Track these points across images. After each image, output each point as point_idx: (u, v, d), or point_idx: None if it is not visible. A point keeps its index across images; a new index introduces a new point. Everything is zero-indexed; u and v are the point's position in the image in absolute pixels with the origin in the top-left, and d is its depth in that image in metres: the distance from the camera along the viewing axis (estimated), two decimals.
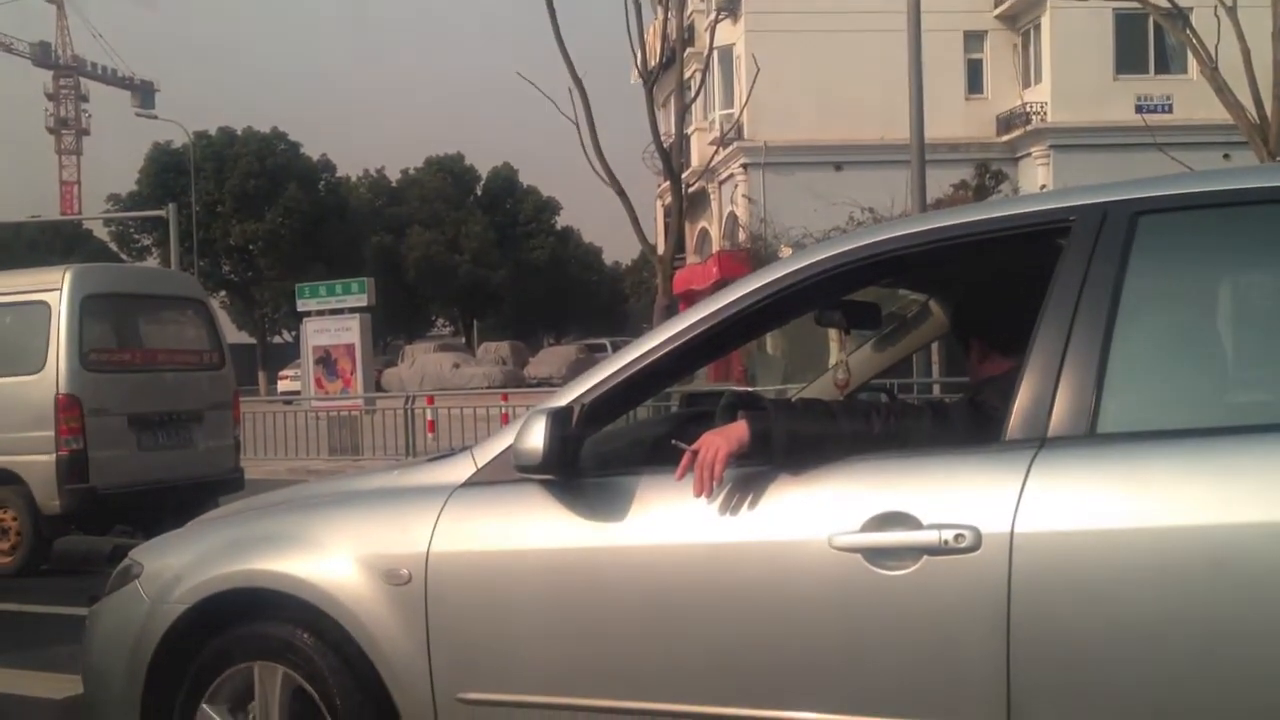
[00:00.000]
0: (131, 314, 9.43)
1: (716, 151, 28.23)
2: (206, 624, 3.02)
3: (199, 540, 3.27)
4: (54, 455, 8.24)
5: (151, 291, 10.15)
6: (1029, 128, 29.40)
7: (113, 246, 52.90)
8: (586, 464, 2.65)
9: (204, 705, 3.01)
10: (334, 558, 2.86)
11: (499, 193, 61.65)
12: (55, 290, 8.52)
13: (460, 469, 2.84)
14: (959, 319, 3.08)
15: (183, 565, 3.12)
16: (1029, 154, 29.61)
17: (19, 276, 9.32)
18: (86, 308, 8.61)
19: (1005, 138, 30.24)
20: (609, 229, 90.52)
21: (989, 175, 27.92)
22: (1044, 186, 26.98)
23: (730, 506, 2.45)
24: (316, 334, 17.13)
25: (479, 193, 61.71)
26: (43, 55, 69.22)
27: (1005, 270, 2.84)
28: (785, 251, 23.06)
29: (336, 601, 2.81)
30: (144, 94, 68.35)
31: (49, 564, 8.43)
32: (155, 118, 47.39)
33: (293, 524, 3.08)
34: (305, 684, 2.87)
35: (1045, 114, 29.26)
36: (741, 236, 30.14)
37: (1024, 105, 29.86)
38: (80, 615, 3.69)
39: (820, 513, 2.38)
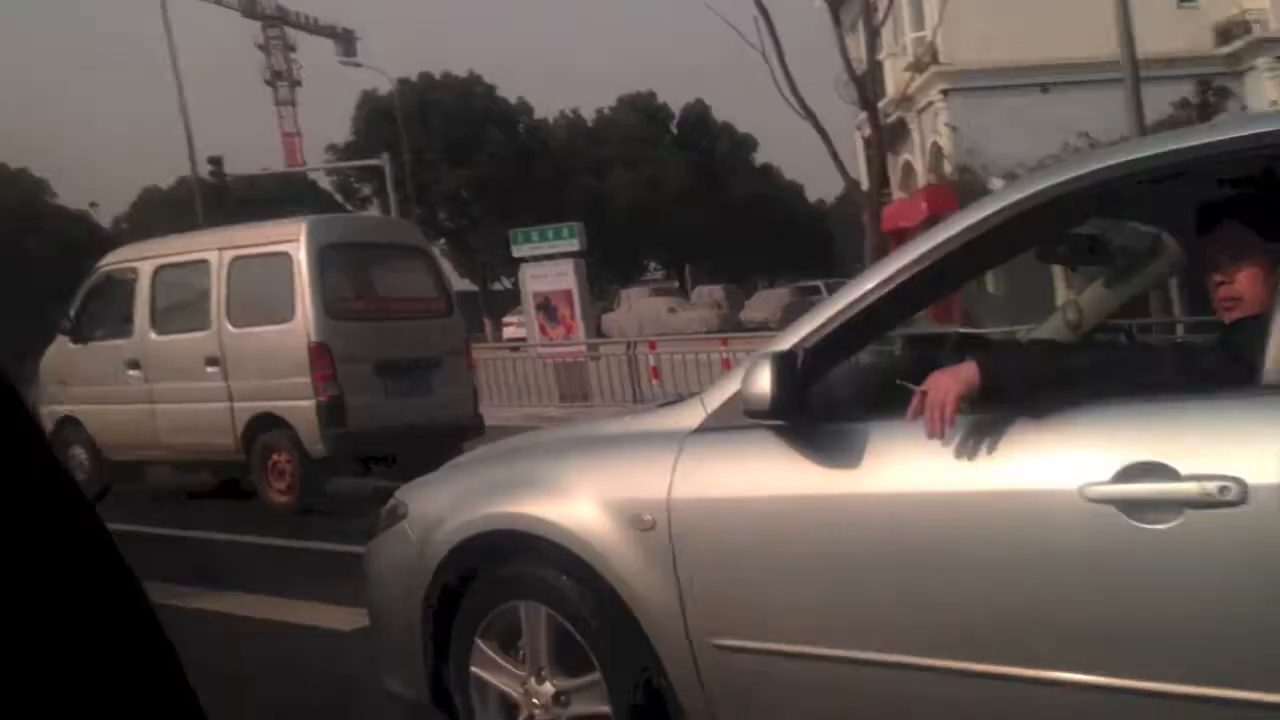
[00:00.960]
0: (365, 263, 9.78)
1: (912, 78, 26.82)
2: (473, 561, 3.18)
3: (455, 483, 3.45)
4: (314, 401, 8.71)
5: (381, 240, 10.54)
6: (1250, 37, 26.75)
7: (338, 197, 55.30)
8: (814, 409, 2.61)
9: (477, 640, 3.19)
10: (581, 503, 2.95)
11: (693, 131, 60.71)
12: (295, 241, 8.92)
13: (691, 415, 2.86)
14: (1203, 253, 2.83)
15: (444, 507, 3.29)
16: (1253, 67, 27.02)
17: (261, 229, 9.82)
18: (325, 258, 8.97)
19: (1225, 50, 27.50)
20: (810, 165, 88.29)
21: (1211, 92, 25.71)
22: (1276, 104, 24.82)
23: (967, 453, 2.38)
24: (534, 280, 17.31)
25: (674, 131, 61.05)
26: (249, 6, 72.06)
27: (1251, 198, 2.63)
28: (996, 184, 22.02)
29: (588, 546, 2.90)
30: (345, 42, 70.59)
31: (321, 503, 8.96)
32: (359, 65, 48.51)
33: (540, 469, 3.19)
34: (568, 624, 3.00)
35: (1266, 22, 26.64)
36: (947, 169, 28.86)
37: (1243, 13, 27.22)
38: (356, 551, 3.98)
39: (1068, 461, 2.29)
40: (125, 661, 0.54)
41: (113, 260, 10.51)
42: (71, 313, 10.29)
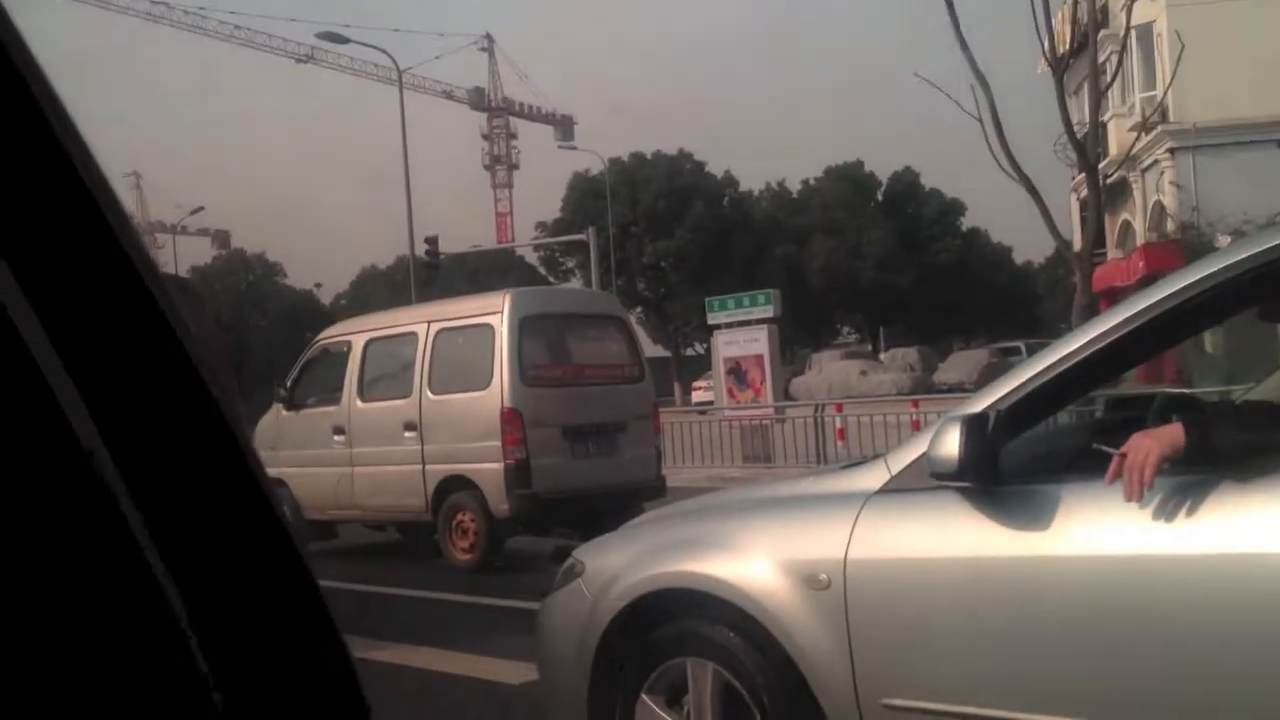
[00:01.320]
0: (562, 332, 10.12)
1: (1138, 137, 26.19)
2: (643, 619, 3.21)
3: (632, 542, 3.51)
4: (502, 463, 8.99)
5: (578, 310, 10.93)
6: None
7: (541, 270, 57.50)
8: (1005, 471, 2.58)
9: (643, 695, 3.21)
10: (755, 562, 2.96)
11: (900, 198, 60.72)
12: (497, 313, 9.30)
13: (874, 476, 2.86)
14: None
15: (619, 565, 3.35)
16: None
17: (466, 302, 10.33)
18: (524, 328, 9.32)
19: None
20: (1019, 227, 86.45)
21: None
22: None
23: (1166, 515, 2.30)
24: (727, 345, 17.63)
25: (880, 198, 61.15)
26: (477, 99, 76.27)
27: None
28: (1223, 240, 21.01)
29: (759, 604, 2.91)
30: (564, 128, 73.72)
31: (501, 561, 9.22)
32: (574, 149, 51.23)
33: (715, 529, 3.24)
34: (734, 681, 2.99)
35: None
36: (1170, 227, 27.78)
37: None
38: (530, 609, 4.05)
39: (1272, 526, 2.19)
40: (328, 705, 0.59)
41: (328, 334, 11.20)
42: (288, 383, 10.91)
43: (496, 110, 76.85)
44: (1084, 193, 22.76)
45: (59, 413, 0.53)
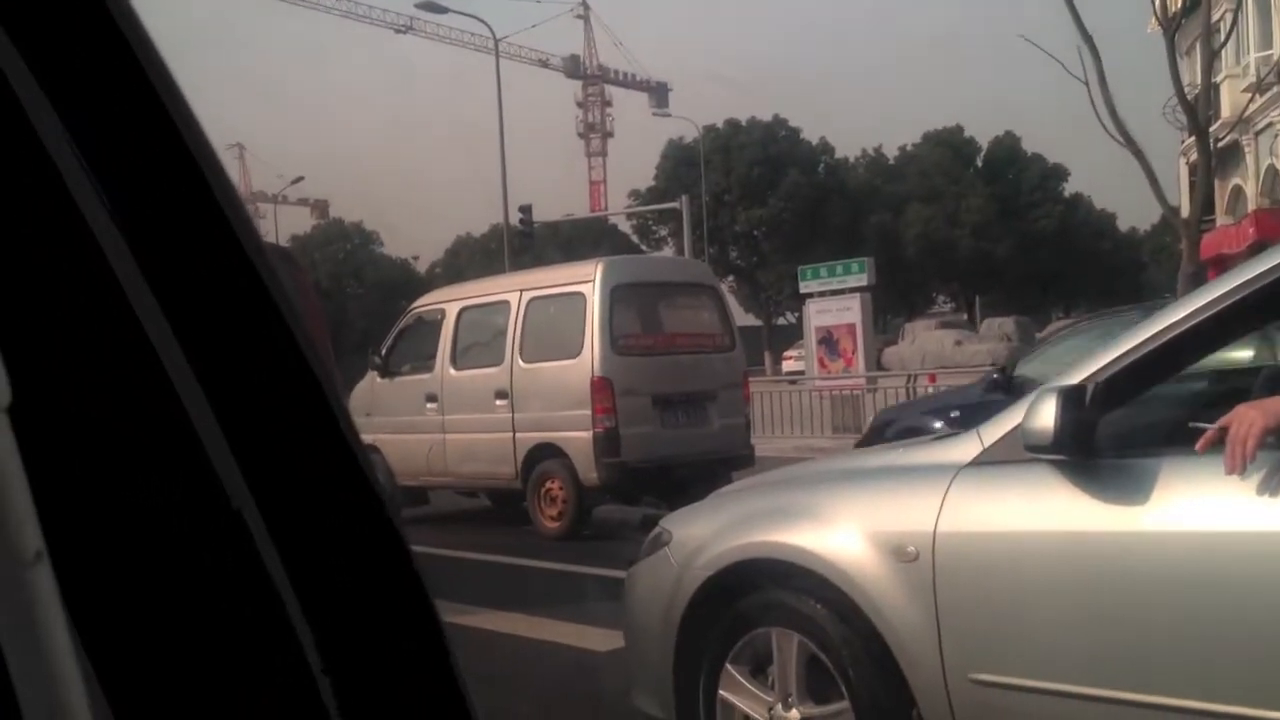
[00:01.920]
0: (653, 301, 10.13)
1: (1252, 99, 25.25)
2: (729, 589, 3.21)
3: (719, 512, 3.50)
4: (591, 432, 9.04)
5: (670, 279, 10.91)
6: None
7: (634, 238, 57.59)
8: (1102, 444, 2.53)
9: (728, 665, 3.22)
10: (843, 533, 2.95)
11: (1000, 163, 59.43)
12: (589, 282, 9.33)
13: (966, 448, 2.82)
14: None
15: (706, 535, 3.35)
16: None
17: (559, 271, 10.40)
18: (616, 296, 9.34)
19: None
20: (1124, 194, 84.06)
21: None
22: None
23: (1270, 490, 2.23)
24: (819, 314, 17.48)
25: (979, 164, 59.92)
26: (572, 67, 76.40)
27: None
28: None
29: (845, 575, 2.89)
30: (659, 95, 73.55)
31: (589, 529, 9.29)
32: (669, 116, 51.20)
33: (803, 500, 3.22)
34: (819, 652, 2.98)
35: None
36: None
37: None
38: (618, 576, 4.08)
39: None
40: (417, 666, 0.60)
41: (423, 302, 11.34)
42: (383, 350, 11.10)
43: (591, 78, 76.89)
44: (1193, 157, 22.05)
45: (169, 384, 0.54)
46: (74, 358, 0.53)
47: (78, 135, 0.53)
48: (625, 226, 59.34)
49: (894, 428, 9.10)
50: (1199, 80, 20.00)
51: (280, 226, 59.39)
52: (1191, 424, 2.41)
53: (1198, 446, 2.30)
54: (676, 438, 9.42)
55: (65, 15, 0.53)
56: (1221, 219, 30.62)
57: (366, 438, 10.54)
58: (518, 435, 9.57)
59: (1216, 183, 28.41)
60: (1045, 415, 2.45)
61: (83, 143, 0.53)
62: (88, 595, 0.51)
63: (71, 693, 0.45)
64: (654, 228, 56.60)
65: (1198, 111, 19.21)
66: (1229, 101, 27.18)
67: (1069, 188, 60.52)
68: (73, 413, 0.52)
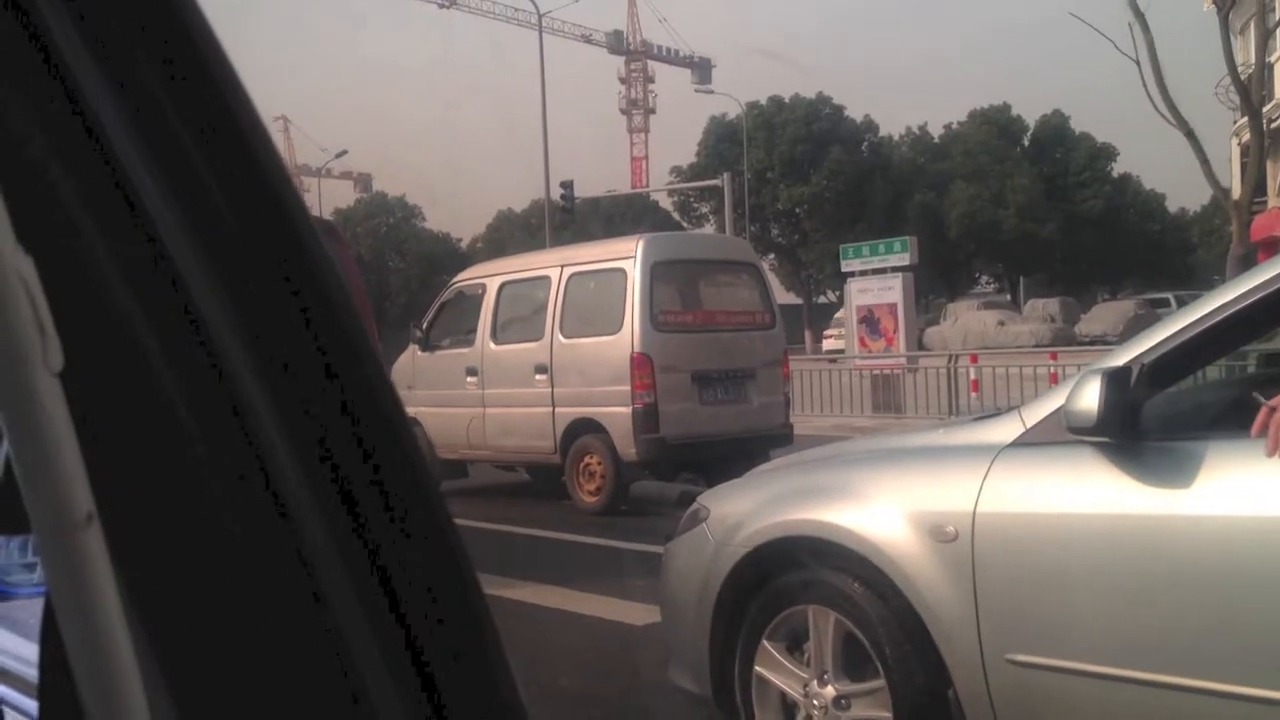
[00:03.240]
0: (694, 278, 10.13)
1: None
2: (766, 566, 3.22)
3: (757, 489, 3.51)
4: (630, 408, 9.06)
5: (710, 257, 10.86)
6: None
7: (675, 215, 57.45)
8: (1147, 426, 2.52)
9: (764, 641, 3.23)
10: (881, 512, 2.95)
11: (1048, 142, 58.64)
12: (630, 258, 9.33)
13: (1008, 429, 2.81)
14: None
15: (744, 512, 3.36)
16: None
17: (599, 246, 10.39)
18: (656, 273, 9.34)
19: None
20: (1174, 174, 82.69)
21: None
22: None
23: None
24: (860, 293, 17.38)
25: (1026, 143, 59.16)
26: (615, 43, 76.23)
27: None
28: None
29: (884, 554, 2.89)
30: (702, 71, 73.24)
31: (627, 505, 9.31)
32: (712, 92, 51.03)
33: (842, 478, 3.22)
34: (855, 630, 2.99)
35: None
36: None
37: None
38: (655, 552, 4.12)
39: None
40: (459, 636, 0.60)
41: (464, 277, 11.36)
42: (425, 324, 11.18)
43: (634, 53, 76.67)
44: (1246, 137, 21.67)
45: (215, 355, 0.55)
46: (121, 328, 0.53)
47: (122, 105, 0.54)
48: (667, 203, 59.27)
49: None
50: (1253, 60, 19.65)
51: (323, 200, 59.73)
52: (1253, 395, 2.41)
53: (1253, 429, 2.28)
54: (715, 415, 9.42)
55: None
56: (1273, 201, 30.06)
57: (409, 410, 10.67)
58: (557, 410, 9.61)
59: (1269, 164, 27.90)
60: (1089, 397, 2.44)
61: (128, 112, 0.54)
62: (137, 560, 0.52)
63: (121, 656, 0.45)
64: (695, 205, 56.45)
65: (1251, 91, 18.89)
66: None
67: (1118, 168, 59.71)
68: (122, 381, 0.53)
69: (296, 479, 0.56)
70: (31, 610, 1.40)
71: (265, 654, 0.55)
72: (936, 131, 60.35)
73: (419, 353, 11.11)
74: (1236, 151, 30.13)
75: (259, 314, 0.56)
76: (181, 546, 0.54)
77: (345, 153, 55.42)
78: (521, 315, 10.28)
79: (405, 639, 0.58)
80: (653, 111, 78.48)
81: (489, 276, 10.77)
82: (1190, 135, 18.61)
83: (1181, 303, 18.00)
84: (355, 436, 0.59)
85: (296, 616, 0.56)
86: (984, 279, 61.85)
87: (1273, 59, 23.73)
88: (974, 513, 2.73)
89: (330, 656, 0.56)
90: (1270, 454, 2.22)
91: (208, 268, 0.55)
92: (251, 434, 0.55)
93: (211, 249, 0.55)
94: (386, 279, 54.81)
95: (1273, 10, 20.27)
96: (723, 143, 52.90)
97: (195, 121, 0.55)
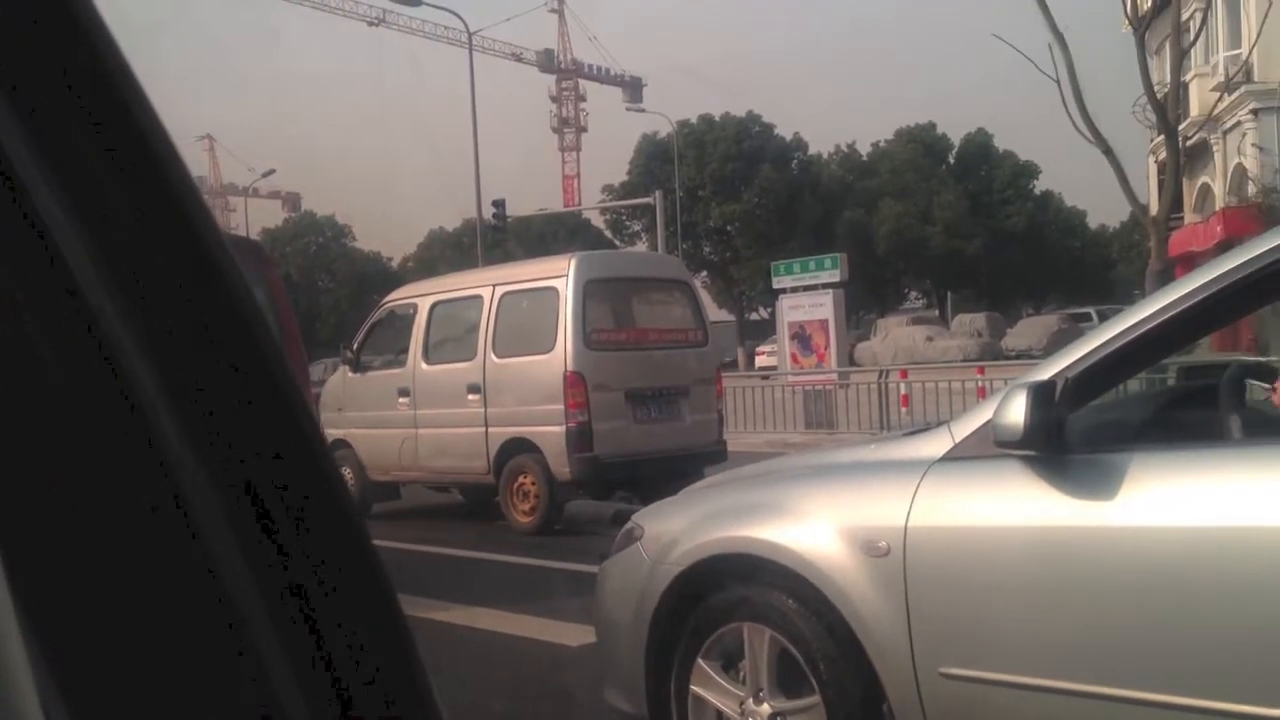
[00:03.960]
0: (626, 296, 10.12)
1: (1221, 98, 25.50)
2: (700, 584, 3.21)
3: (691, 507, 3.50)
4: (564, 427, 9.02)
5: (643, 274, 10.88)
6: None
7: (607, 233, 57.54)
8: (1072, 440, 2.55)
9: (699, 660, 3.22)
10: (814, 528, 2.95)
11: (972, 160, 59.77)
12: (562, 277, 9.29)
13: (937, 444, 2.83)
14: None
15: (678, 530, 3.35)
16: None
17: (531, 265, 10.38)
18: (589, 291, 9.31)
19: None
20: (1094, 191, 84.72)
21: None
22: None
23: (1238, 484, 2.27)
24: (791, 310, 17.57)
25: (951, 161, 60.24)
26: (546, 61, 76.31)
27: None
28: None
29: (817, 569, 2.90)
30: (633, 89, 73.54)
31: (561, 525, 9.27)
32: (643, 111, 51.40)
33: (775, 494, 3.23)
34: (790, 647, 2.99)
35: None
36: (1251, 190, 27.01)
37: None
38: (589, 572, 4.09)
39: None
40: (378, 659, 0.59)
41: (395, 297, 11.26)
42: (355, 345, 11.05)
43: (565, 72, 76.79)
44: (1163, 155, 22.28)
45: (128, 382, 0.53)
46: (30, 357, 0.52)
47: (29, 127, 0.52)
48: (599, 221, 59.34)
49: None
50: (1168, 79, 20.20)
51: (251, 219, 58.95)
52: (1255, 383, 2.48)
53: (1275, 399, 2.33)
54: (649, 433, 9.43)
55: (18, 2, 0.52)
56: (1190, 217, 30.89)
57: (338, 432, 10.57)
58: (490, 430, 9.55)
59: (1185, 181, 28.65)
60: (1015, 411, 2.47)
61: (34, 135, 0.52)
62: (42, 598, 0.50)
63: (23, 691, 0.44)
64: (627, 223, 56.61)
65: (1167, 110, 19.40)
66: (1198, 100, 27.37)
67: (1039, 185, 61.04)
68: (27, 413, 0.52)
69: (209, 500, 0.55)
70: None
71: (178, 677, 0.54)
72: (864, 149, 61.29)
73: (349, 374, 10.99)
74: (1154, 169, 30.93)
75: (169, 337, 0.55)
76: (89, 568, 0.52)
77: (273, 171, 54.98)
78: (454, 335, 10.22)
79: (323, 660, 0.57)
80: (584, 130, 78.66)
81: (421, 296, 10.69)
82: (1109, 153, 19.07)
83: (1103, 317, 18.41)
84: (271, 455, 0.58)
85: (209, 639, 0.54)
86: (912, 294, 62.77)
87: (1187, 78, 24.43)
88: (905, 527, 2.74)
89: (245, 679, 0.55)
90: None
91: (119, 294, 0.54)
92: (161, 452, 0.54)
93: (123, 275, 0.54)
94: (316, 299, 54.17)
95: (1187, 31, 20.90)
96: (654, 161, 53.16)
97: (101, 143, 0.54)
